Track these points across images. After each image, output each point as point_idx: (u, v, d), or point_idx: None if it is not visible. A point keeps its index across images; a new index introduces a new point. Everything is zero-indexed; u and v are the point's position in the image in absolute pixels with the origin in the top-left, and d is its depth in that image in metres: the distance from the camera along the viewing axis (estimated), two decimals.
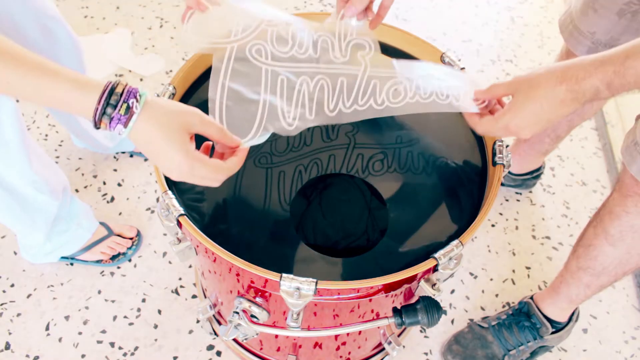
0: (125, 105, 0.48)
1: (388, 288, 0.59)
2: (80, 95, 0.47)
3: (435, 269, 0.60)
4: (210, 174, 0.53)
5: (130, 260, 1.11)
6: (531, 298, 1.01)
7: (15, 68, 0.45)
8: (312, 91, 0.67)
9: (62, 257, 1.07)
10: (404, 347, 1.04)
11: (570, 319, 0.99)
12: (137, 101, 0.48)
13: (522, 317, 1.00)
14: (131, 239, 1.12)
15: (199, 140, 0.55)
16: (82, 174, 1.24)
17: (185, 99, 0.74)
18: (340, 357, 0.89)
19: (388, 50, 0.84)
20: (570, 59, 0.57)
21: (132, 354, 1.00)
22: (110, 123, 0.48)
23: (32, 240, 1.00)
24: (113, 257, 1.09)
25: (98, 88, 0.48)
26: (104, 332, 1.02)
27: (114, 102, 0.48)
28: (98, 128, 0.49)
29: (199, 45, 0.67)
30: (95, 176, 1.24)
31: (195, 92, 0.76)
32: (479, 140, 0.75)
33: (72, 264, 1.09)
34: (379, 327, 0.81)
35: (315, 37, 0.72)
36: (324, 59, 0.71)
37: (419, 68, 0.73)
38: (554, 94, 0.56)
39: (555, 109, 0.57)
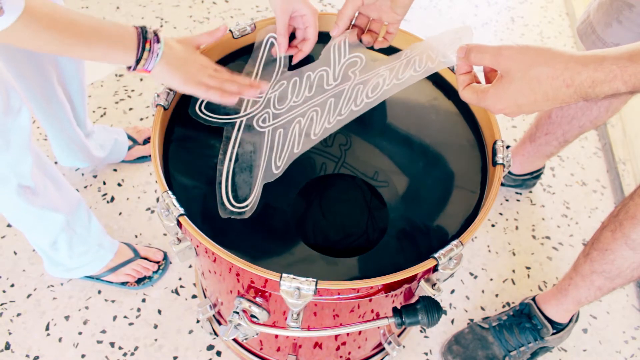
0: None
1: (388, 288, 0.59)
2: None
3: (435, 269, 0.60)
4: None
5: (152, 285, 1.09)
6: (532, 299, 1.01)
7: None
8: (302, 127, 0.72)
9: (86, 277, 1.05)
10: (404, 347, 1.04)
11: (570, 320, 0.99)
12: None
13: (523, 318, 1.00)
14: (157, 262, 1.10)
15: None
16: (82, 174, 1.24)
17: (184, 98, 0.74)
18: (340, 357, 0.89)
19: (388, 50, 0.84)
20: (585, 52, 0.50)
21: (132, 354, 1.00)
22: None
23: (54, 255, 0.98)
24: (138, 281, 1.07)
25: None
26: (104, 332, 1.02)
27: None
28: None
29: (211, 121, 0.73)
30: (95, 176, 1.24)
31: None
32: (479, 140, 0.75)
33: None
34: (379, 327, 0.81)
35: (313, 77, 0.76)
36: (318, 92, 0.75)
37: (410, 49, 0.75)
38: (556, 94, 0.51)
39: (553, 104, 0.52)
